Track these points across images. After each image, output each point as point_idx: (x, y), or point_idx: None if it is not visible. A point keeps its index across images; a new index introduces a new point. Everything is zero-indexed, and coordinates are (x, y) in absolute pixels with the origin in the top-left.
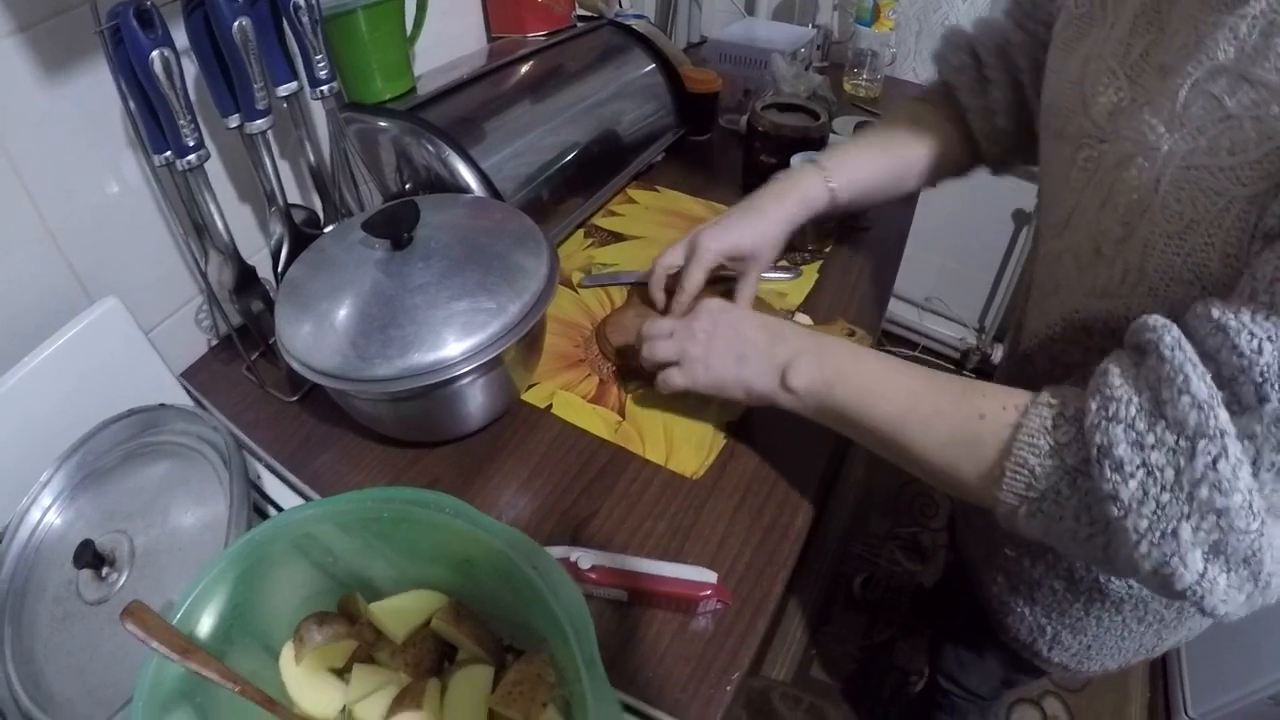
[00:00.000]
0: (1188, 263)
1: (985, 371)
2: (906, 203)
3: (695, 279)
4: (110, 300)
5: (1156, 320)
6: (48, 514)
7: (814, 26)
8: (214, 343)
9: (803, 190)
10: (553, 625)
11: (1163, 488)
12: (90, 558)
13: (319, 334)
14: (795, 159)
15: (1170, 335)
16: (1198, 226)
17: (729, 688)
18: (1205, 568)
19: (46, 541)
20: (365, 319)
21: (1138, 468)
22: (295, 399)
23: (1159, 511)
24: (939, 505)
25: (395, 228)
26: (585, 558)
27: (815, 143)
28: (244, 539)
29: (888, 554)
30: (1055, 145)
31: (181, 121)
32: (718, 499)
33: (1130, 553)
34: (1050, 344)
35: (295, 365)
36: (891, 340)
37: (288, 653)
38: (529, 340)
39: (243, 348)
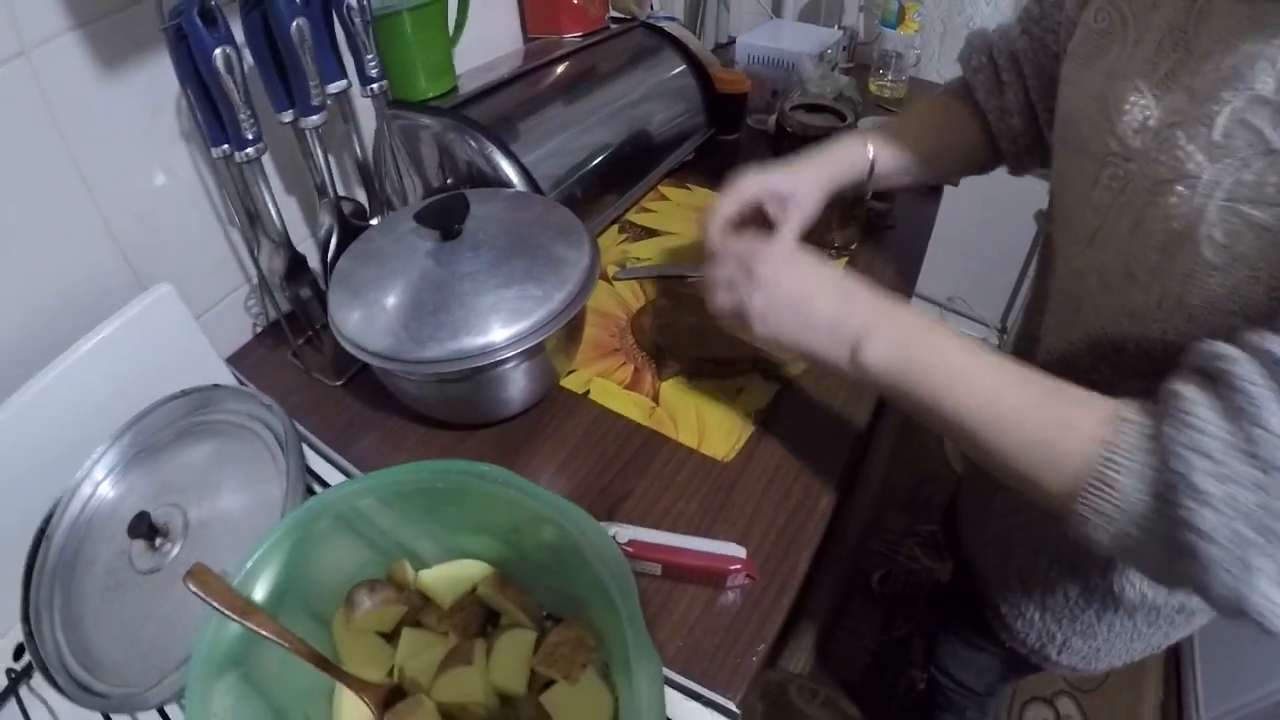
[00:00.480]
0: (1232, 294)
1: None
2: (930, 201)
3: (728, 206)
4: (164, 286)
5: (1227, 350)
6: (100, 487)
7: (840, 28)
8: (258, 330)
9: (845, 153)
10: (596, 586)
11: (1243, 520)
12: (145, 529)
13: (371, 317)
14: None
15: (1248, 368)
16: (1244, 260)
17: (755, 658)
18: (1277, 595)
19: (99, 514)
20: (416, 304)
21: (1218, 498)
22: (340, 383)
23: (1238, 542)
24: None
25: (446, 219)
26: (622, 533)
27: None
28: (302, 508)
29: (906, 551)
30: (1074, 159)
31: (242, 116)
32: (747, 481)
33: (1203, 576)
34: (1073, 359)
35: (348, 346)
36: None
37: (339, 617)
38: (571, 328)
39: (290, 333)
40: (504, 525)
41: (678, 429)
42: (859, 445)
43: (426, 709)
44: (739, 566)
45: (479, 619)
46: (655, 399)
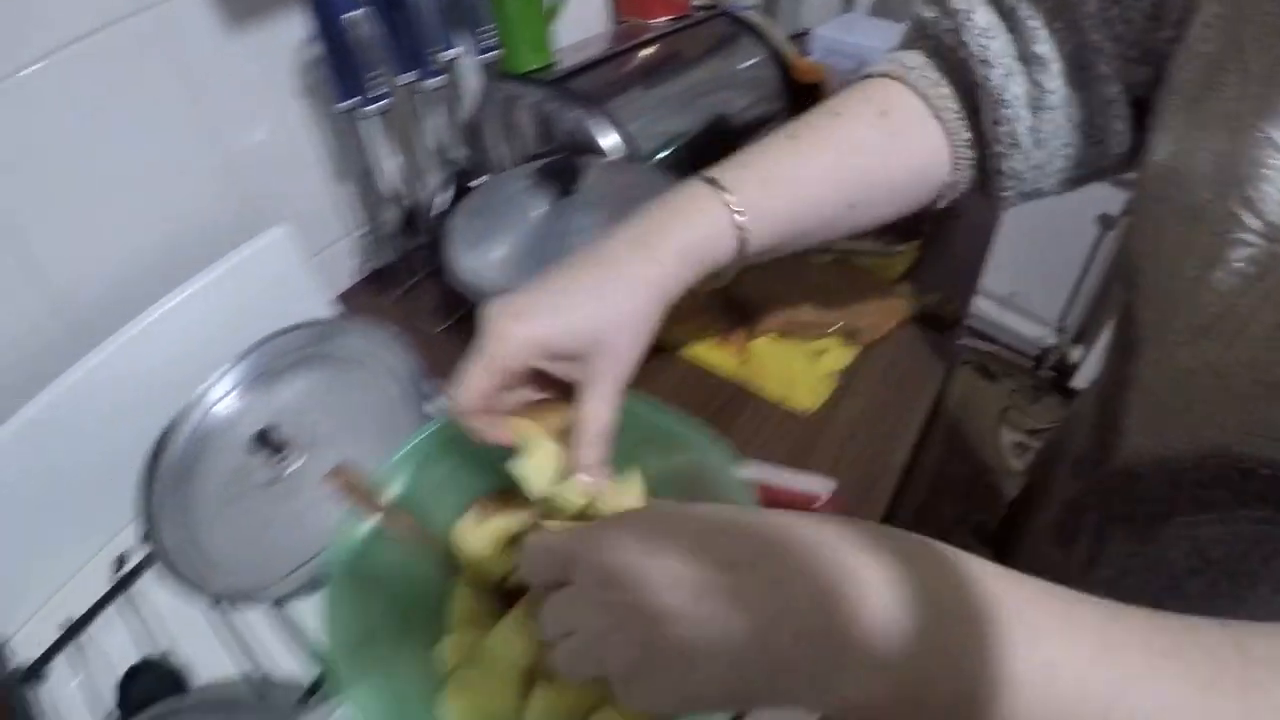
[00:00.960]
0: None
1: (1063, 372)
2: None
3: (472, 387)
4: (280, 228)
5: None
6: (221, 403)
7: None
8: (356, 280)
9: (687, 231)
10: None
11: None
12: (267, 443)
13: (488, 263)
14: None
15: None
16: None
17: None
18: None
19: (218, 428)
20: (532, 252)
21: None
22: (439, 330)
23: None
24: (1008, 495)
25: (565, 177)
26: None
27: None
28: (427, 428)
29: (958, 539)
30: (1179, 226)
31: (372, 74)
32: (829, 433)
33: None
34: (1176, 471)
35: (464, 288)
36: (972, 335)
37: (462, 526)
38: None
39: (394, 281)
40: (624, 446)
41: (765, 383)
42: (932, 408)
43: None
44: (829, 499)
45: None
46: (743, 356)
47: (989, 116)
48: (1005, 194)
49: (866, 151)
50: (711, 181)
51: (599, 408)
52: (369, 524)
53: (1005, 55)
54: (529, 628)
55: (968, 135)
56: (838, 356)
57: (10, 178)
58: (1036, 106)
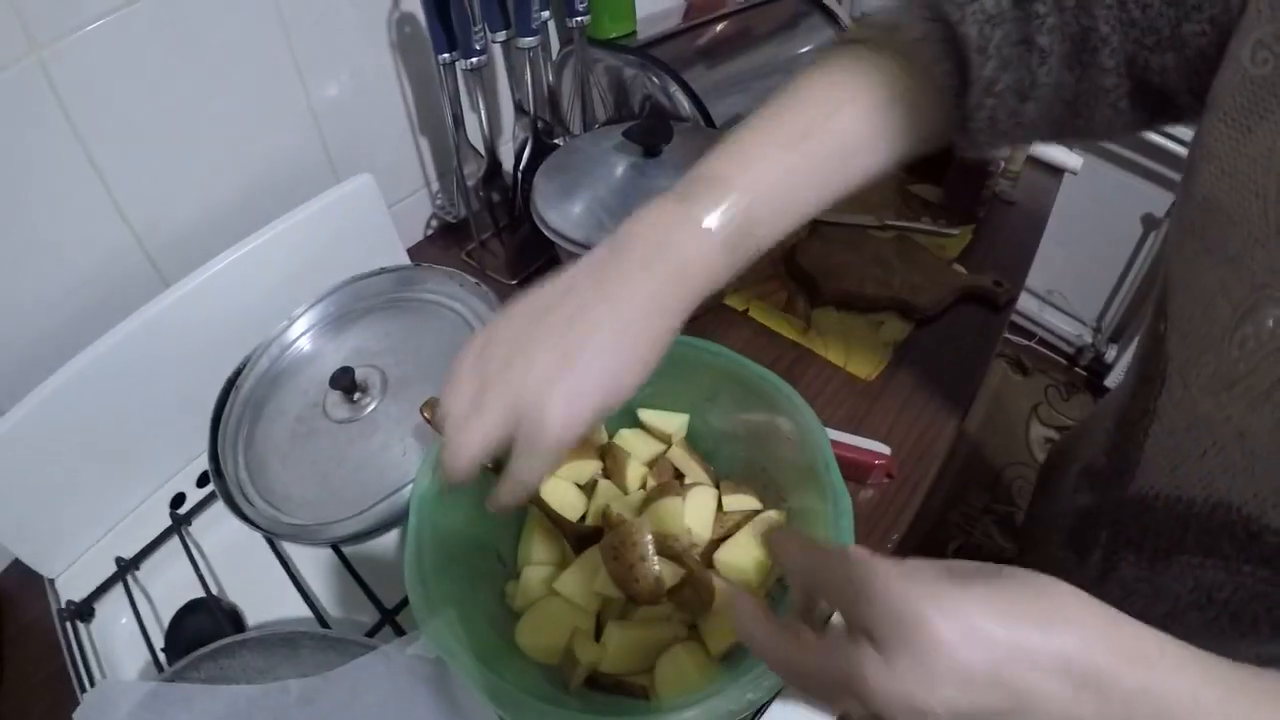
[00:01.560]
0: None
1: (1097, 370)
2: (1053, 179)
3: (528, 483)
4: (365, 176)
5: None
6: (298, 342)
7: None
8: (430, 232)
9: (663, 275)
10: (795, 460)
11: None
12: (346, 382)
13: (575, 213)
14: None
15: None
16: None
17: (889, 545)
18: None
19: (294, 366)
20: (620, 205)
21: None
22: (514, 282)
23: None
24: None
25: (653, 137)
26: None
27: None
28: None
29: (982, 528)
30: (1213, 267)
31: (475, 29)
32: (885, 400)
33: None
34: (1185, 509)
35: (549, 233)
36: (1009, 329)
37: None
38: None
39: (474, 231)
40: (696, 394)
41: (827, 349)
42: (980, 379)
43: (641, 526)
44: (884, 461)
45: (669, 475)
46: (807, 321)
47: (974, 99)
48: (970, 145)
49: (864, 151)
50: (679, 198)
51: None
52: None
53: (1005, 44)
54: (602, 569)
55: (951, 100)
56: (894, 329)
57: (95, 115)
58: (1024, 96)
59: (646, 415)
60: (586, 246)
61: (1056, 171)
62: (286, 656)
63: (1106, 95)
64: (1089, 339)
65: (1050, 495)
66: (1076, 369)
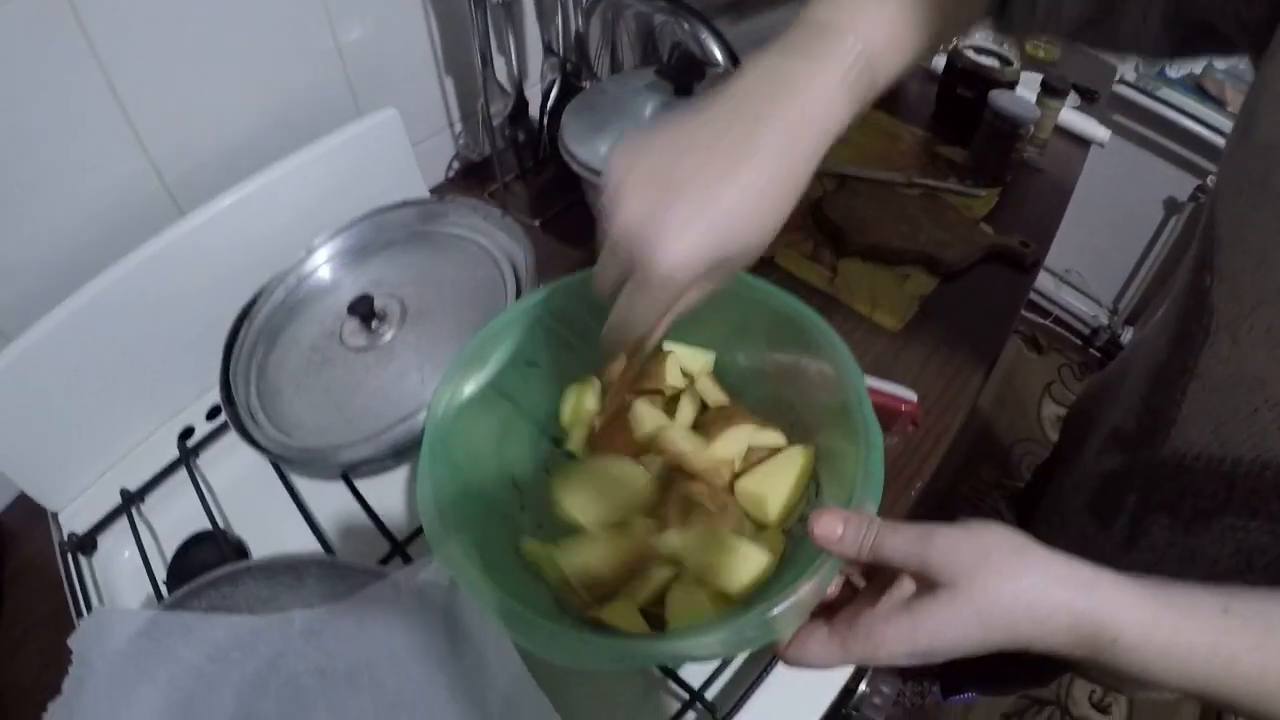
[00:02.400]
0: None
1: (1111, 352)
2: (1079, 149)
3: (646, 325)
4: (390, 110)
5: None
6: (316, 273)
7: None
8: (451, 174)
9: (803, 112)
10: (825, 396)
11: None
12: (365, 309)
13: (599, 148)
14: (992, 94)
15: None
16: None
17: (913, 492)
18: None
19: (311, 296)
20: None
21: None
22: (536, 223)
23: None
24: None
25: (686, 75)
26: None
27: (1006, 85)
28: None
29: (991, 503)
30: (1276, 217)
31: None
32: (910, 350)
33: None
34: (1230, 469)
35: (577, 166)
36: (1026, 306)
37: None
38: None
39: (498, 172)
40: (726, 328)
41: (853, 298)
42: (1006, 335)
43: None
44: (910, 408)
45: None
46: (833, 270)
47: None
48: (1004, 31)
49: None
50: (822, 34)
51: (694, 299)
52: (466, 392)
53: None
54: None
55: None
56: (920, 283)
57: (117, 42)
58: None
59: (672, 348)
60: None
61: (1084, 144)
62: (291, 585)
63: (1139, 2)
64: (1105, 320)
65: (1069, 461)
66: (1091, 350)
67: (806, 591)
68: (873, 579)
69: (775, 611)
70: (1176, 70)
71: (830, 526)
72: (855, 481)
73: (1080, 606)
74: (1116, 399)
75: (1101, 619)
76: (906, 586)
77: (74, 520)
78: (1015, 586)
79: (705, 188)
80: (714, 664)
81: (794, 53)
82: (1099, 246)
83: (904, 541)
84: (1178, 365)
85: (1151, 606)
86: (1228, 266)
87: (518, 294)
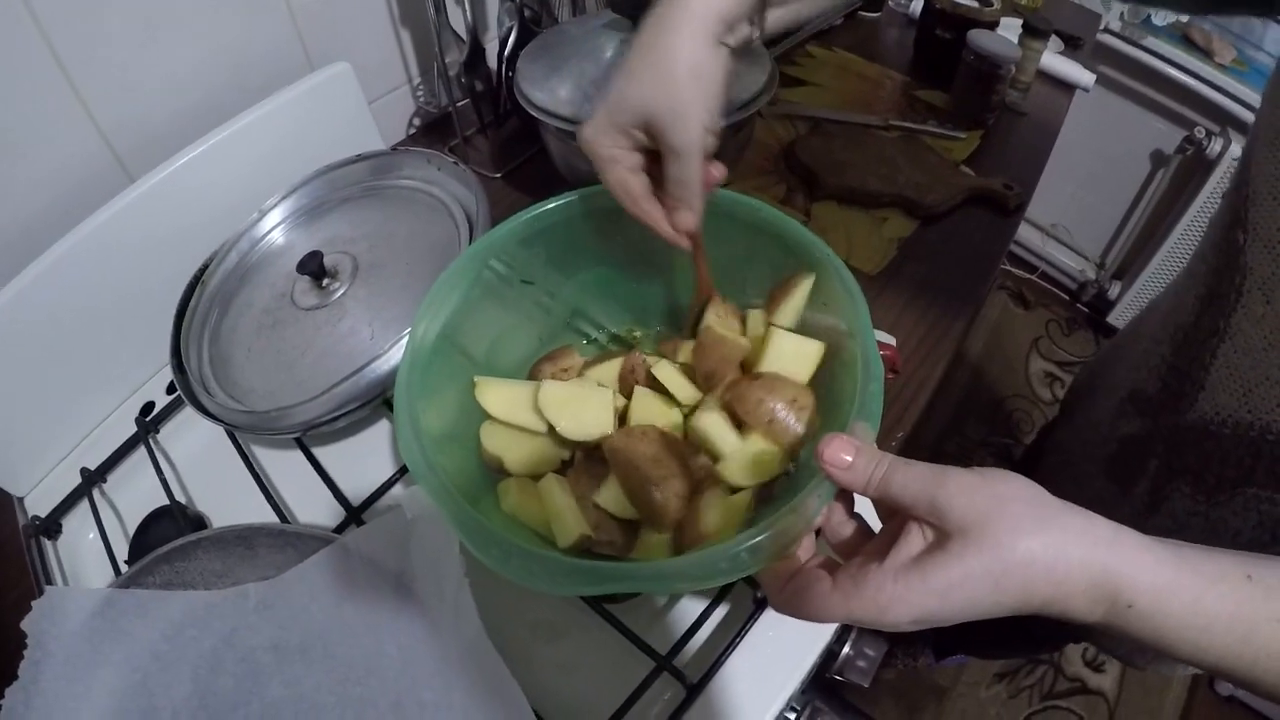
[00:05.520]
0: None
1: (1099, 307)
2: (1064, 94)
3: (623, 186)
4: (342, 65)
5: None
6: (269, 236)
7: None
8: (412, 130)
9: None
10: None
11: None
12: (315, 266)
13: (557, 91)
14: (971, 34)
15: None
16: None
17: (894, 442)
18: None
19: (264, 260)
20: (606, 81)
21: None
22: (499, 175)
23: None
24: (1035, 423)
25: (641, 9)
26: None
27: (987, 26)
28: (481, 239)
29: (979, 460)
30: None
31: None
32: (890, 295)
33: None
34: (1258, 436)
35: (535, 111)
36: (1012, 261)
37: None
38: (744, 136)
39: (458, 126)
40: (732, 259)
41: (828, 241)
42: (991, 280)
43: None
44: (889, 353)
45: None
46: (807, 213)
47: None
48: None
49: None
50: None
51: (689, 182)
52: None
53: None
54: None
55: None
56: (899, 225)
57: (58, 4)
58: None
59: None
60: (575, 123)
61: (1068, 89)
62: (244, 557)
63: None
64: (1092, 275)
65: (1083, 424)
66: (1078, 305)
67: (797, 517)
68: (883, 528)
69: (759, 539)
70: (1162, 18)
71: (840, 452)
72: (852, 407)
73: (1099, 565)
74: (1131, 360)
75: (1120, 581)
76: (915, 541)
77: (38, 504)
78: (1033, 543)
79: (613, 82)
80: (681, 629)
81: None
82: (1085, 200)
83: (915, 478)
84: (1207, 326)
85: (1172, 570)
86: (1263, 221)
87: (471, 242)
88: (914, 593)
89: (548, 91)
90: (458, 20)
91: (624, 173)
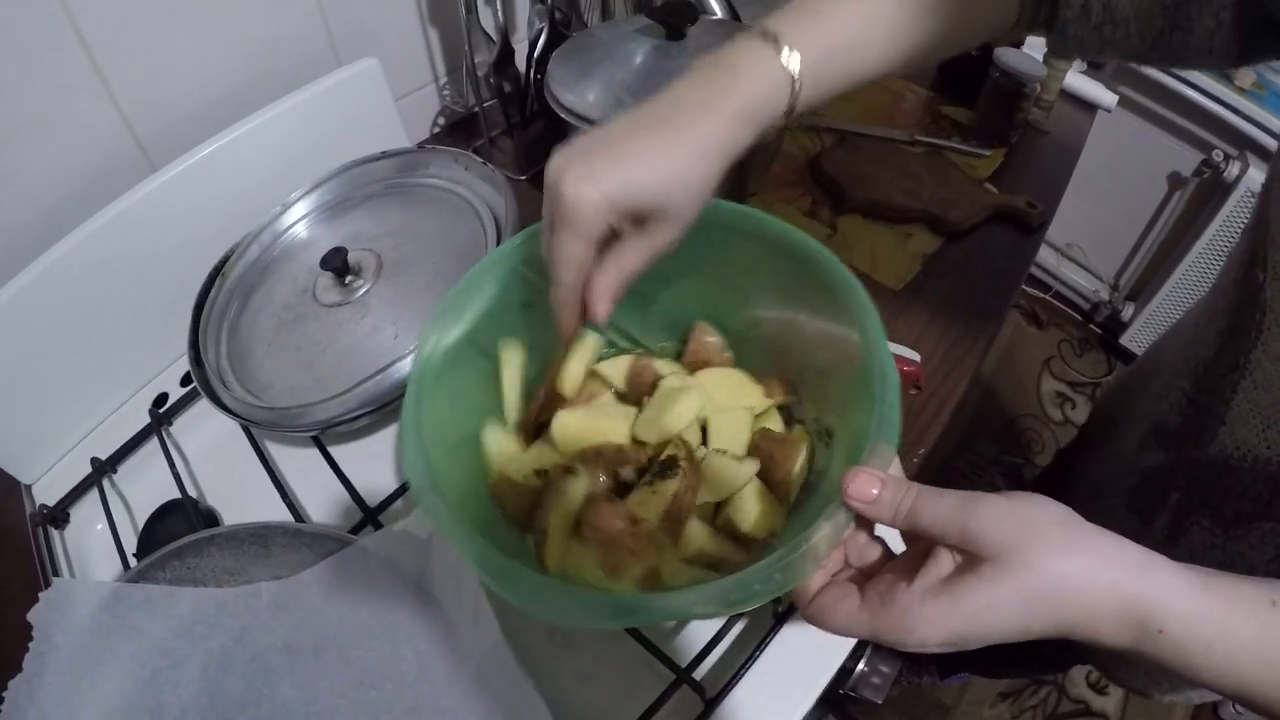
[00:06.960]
0: None
1: (1112, 329)
2: (1086, 114)
3: (573, 261)
4: (370, 60)
5: None
6: (292, 229)
7: None
8: (437, 129)
9: (750, 89)
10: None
11: None
12: (339, 263)
13: (587, 94)
14: (997, 50)
15: None
16: None
17: (915, 459)
18: None
19: (286, 254)
20: (639, 85)
21: None
22: (524, 178)
23: None
24: (1045, 443)
25: (677, 17)
26: None
27: (1013, 43)
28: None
29: (989, 478)
30: None
31: None
32: (913, 310)
33: None
34: (1277, 471)
35: (564, 114)
36: (1026, 280)
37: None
38: (773, 148)
39: (484, 126)
40: (730, 269)
41: (852, 254)
42: (1012, 298)
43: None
44: (913, 369)
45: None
46: (833, 227)
47: None
48: (1063, 50)
49: (941, 15)
50: (774, 40)
51: (635, 263)
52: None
53: None
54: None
55: None
56: (924, 241)
57: None
58: None
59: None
60: None
61: (1090, 109)
62: (258, 555)
63: (1210, 3)
64: (1106, 296)
65: (1106, 454)
66: (1091, 325)
67: (820, 538)
68: (910, 547)
69: (790, 558)
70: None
71: (865, 487)
72: (869, 426)
73: (1130, 589)
74: (1153, 391)
75: (1151, 605)
76: (945, 563)
77: (46, 492)
78: (1064, 565)
79: (618, 143)
80: (701, 643)
81: (729, 69)
82: (1101, 220)
83: (945, 508)
84: (1228, 362)
85: (1201, 596)
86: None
87: (498, 244)
88: (943, 615)
89: (578, 94)
90: (488, 20)
91: (587, 249)
